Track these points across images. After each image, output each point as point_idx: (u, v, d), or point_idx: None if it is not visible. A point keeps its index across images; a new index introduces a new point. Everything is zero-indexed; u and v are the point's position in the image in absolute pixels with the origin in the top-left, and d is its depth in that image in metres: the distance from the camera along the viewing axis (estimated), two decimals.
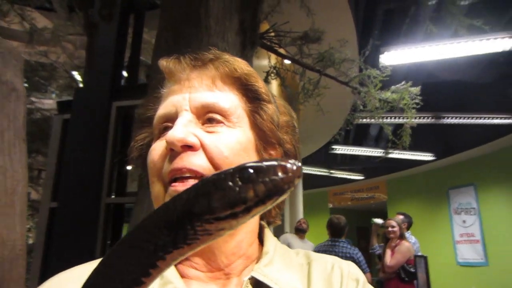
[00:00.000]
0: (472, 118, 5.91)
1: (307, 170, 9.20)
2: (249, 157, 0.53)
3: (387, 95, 3.50)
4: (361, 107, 3.58)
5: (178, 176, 0.49)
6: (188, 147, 0.49)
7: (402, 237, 3.87)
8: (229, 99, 0.54)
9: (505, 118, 5.85)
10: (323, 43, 3.40)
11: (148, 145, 0.56)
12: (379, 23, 4.08)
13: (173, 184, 0.49)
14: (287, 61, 3.73)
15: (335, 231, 3.70)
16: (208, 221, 0.28)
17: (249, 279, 0.51)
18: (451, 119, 5.95)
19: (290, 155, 0.59)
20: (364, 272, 3.57)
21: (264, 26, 3.44)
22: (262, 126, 0.55)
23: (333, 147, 7.36)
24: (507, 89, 5.74)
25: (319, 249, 3.59)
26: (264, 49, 3.27)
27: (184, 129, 0.50)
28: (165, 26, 2.19)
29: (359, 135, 7.93)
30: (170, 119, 0.53)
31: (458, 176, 8.44)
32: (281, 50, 3.53)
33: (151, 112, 0.59)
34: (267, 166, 0.28)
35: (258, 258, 0.55)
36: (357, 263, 3.46)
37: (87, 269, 0.49)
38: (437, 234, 8.35)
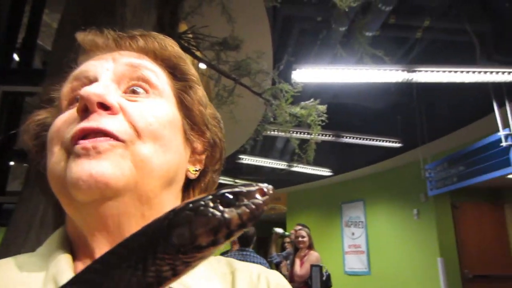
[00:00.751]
0: (366, 139, 6.50)
1: None
2: (175, 135, 0.47)
3: (297, 110, 3.64)
4: (272, 119, 3.66)
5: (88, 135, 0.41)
6: (106, 109, 0.42)
7: (310, 247, 4.03)
8: (157, 71, 0.49)
9: (392, 142, 6.54)
10: (240, 52, 3.41)
11: (49, 127, 0.47)
12: (294, 41, 4.26)
13: (80, 141, 0.40)
14: (202, 65, 3.66)
15: (244, 240, 3.68)
16: (188, 252, 0.26)
17: None
18: (348, 139, 6.45)
19: (218, 147, 0.55)
20: None
21: (183, 27, 3.34)
22: (190, 106, 0.51)
23: (240, 156, 7.44)
24: (395, 117, 6.45)
25: None
26: (180, 49, 3.16)
27: (105, 87, 0.42)
28: (72, 9, 1.96)
29: (265, 147, 8.16)
30: (85, 85, 0.44)
31: (350, 192, 9.18)
32: (198, 53, 3.46)
33: (56, 93, 0.49)
34: (247, 190, 0.28)
35: None
36: None
37: None
38: (329, 245, 8.96)
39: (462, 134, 5.90)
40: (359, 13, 3.41)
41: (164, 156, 0.44)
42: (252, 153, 7.99)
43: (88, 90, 0.41)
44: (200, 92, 0.53)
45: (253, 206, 0.28)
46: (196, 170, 0.52)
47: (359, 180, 8.96)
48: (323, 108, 3.64)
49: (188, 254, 0.26)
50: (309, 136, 3.95)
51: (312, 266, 3.59)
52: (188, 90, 0.51)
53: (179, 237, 0.26)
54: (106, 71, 0.45)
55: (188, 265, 0.27)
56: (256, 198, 0.28)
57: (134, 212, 0.42)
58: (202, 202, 0.27)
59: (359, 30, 3.36)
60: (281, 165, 8.01)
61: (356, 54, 3.32)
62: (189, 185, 0.53)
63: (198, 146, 0.52)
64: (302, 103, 3.68)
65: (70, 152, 0.41)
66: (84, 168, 0.39)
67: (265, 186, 0.29)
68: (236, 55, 3.42)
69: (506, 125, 4.42)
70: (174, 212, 0.27)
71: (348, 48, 3.47)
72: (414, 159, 6.73)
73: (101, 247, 0.42)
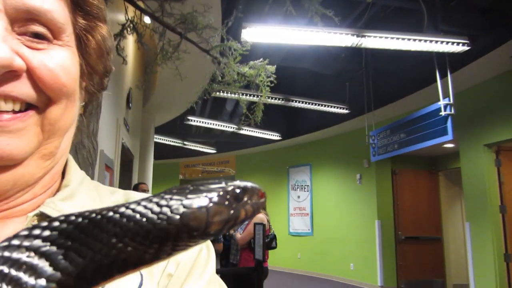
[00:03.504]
0: (314, 104, 6.56)
1: (160, 140, 8.94)
2: (77, 86, 0.43)
3: (245, 69, 3.53)
4: (220, 78, 3.54)
5: None
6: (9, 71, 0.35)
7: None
8: (62, 11, 0.40)
9: (340, 108, 6.67)
10: (186, 5, 3.20)
11: None
12: None
13: None
14: (147, 19, 3.42)
15: None
16: (196, 238, 0.26)
17: (37, 215, 0.39)
18: (297, 103, 6.47)
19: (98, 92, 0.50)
20: (218, 242, 3.91)
21: None
22: (92, 51, 0.45)
23: (189, 118, 7.27)
24: (344, 83, 6.54)
25: None
26: None
27: (6, 46, 0.34)
28: None
29: (215, 110, 8.02)
30: None
31: (297, 156, 9.39)
32: (140, 3, 3.20)
33: None
34: (252, 188, 0.29)
35: (54, 193, 0.43)
36: None
37: None
38: (276, 207, 9.20)
39: (406, 102, 6.13)
40: None
41: (72, 110, 0.42)
42: (202, 115, 7.83)
43: None
44: (105, 32, 0.45)
45: (256, 207, 0.29)
46: (83, 105, 0.48)
47: (307, 145, 9.16)
48: (272, 68, 3.56)
49: (194, 239, 0.26)
50: (257, 99, 3.88)
51: (255, 224, 3.62)
52: (92, 31, 0.44)
53: (197, 221, 0.25)
54: None
55: (184, 249, 0.27)
56: (259, 199, 0.29)
57: (36, 171, 0.40)
58: (217, 192, 0.27)
59: None
60: (230, 128, 7.94)
61: (306, 13, 3.23)
62: None
63: (89, 88, 0.48)
64: (251, 63, 3.58)
65: None
66: None
67: (261, 189, 0.30)
68: (181, 7, 3.20)
69: (446, 95, 4.62)
70: (188, 194, 0.26)
71: (299, 8, 3.37)
72: (360, 125, 6.93)
73: None
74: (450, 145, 6.47)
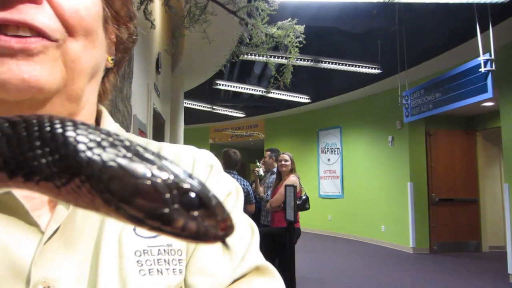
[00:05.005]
0: (345, 65, 6.36)
1: (190, 105, 9.03)
2: (100, 27, 0.43)
3: (273, 30, 3.45)
4: (248, 40, 3.48)
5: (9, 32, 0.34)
6: None
7: (292, 171, 4.06)
8: None
9: (371, 68, 6.44)
10: None
11: None
12: None
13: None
14: None
15: (230, 163, 3.96)
16: (105, 201, 0.21)
17: None
18: (327, 64, 6.30)
19: (128, 45, 0.51)
20: (250, 203, 4.03)
21: None
22: None
23: (218, 82, 7.26)
24: (375, 41, 6.27)
25: None
26: None
27: None
28: None
29: (243, 73, 7.96)
30: None
31: (327, 119, 9.27)
32: None
33: None
34: (216, 210, 0.22)
35: None
36: (249, 194, 3.92)
37: None
38: (306, 170, 9.23)
39: (441, 60, 5.84)
40: None
41: (93, 52, 0.41)
42: (230, 79, 7.80)
43: None
44: None
45: (203, 231, 0.22)
46: (112, 59, 0.49)
47: (337, 107, 9.00)
48: (301, 28, 3.47)
49: (102, 202, 0.21)
50: (286, 60, 3.81)
51: (286, 186, 3.66)
52: None
53: (115, 183, 0.21)
54: None
55: (97, 209, 0.22)
56: (215, 227, 0.23)
57: (61, 111, 0.40)
58: (168, 175, 0.22)
59: None
60: (259, 91, 7.89)
61: None
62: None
63: (116, 37, 0.48)
64: (279, 23, 3.49)
65: None
66: (12, 70, 0.34)
67: (229, 218, 0.23)
68: None
69: (487, 50, 4.36)
70: (137, 156, 0.22)
71: None
72: (393, 86, 6.71)
73: None
74: (489, 104, 6.18)
